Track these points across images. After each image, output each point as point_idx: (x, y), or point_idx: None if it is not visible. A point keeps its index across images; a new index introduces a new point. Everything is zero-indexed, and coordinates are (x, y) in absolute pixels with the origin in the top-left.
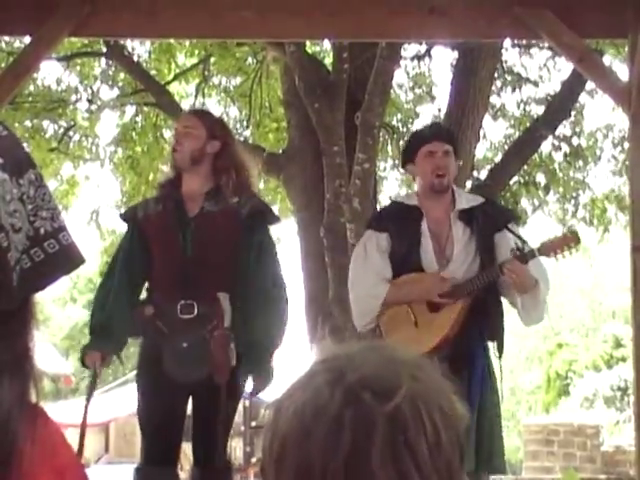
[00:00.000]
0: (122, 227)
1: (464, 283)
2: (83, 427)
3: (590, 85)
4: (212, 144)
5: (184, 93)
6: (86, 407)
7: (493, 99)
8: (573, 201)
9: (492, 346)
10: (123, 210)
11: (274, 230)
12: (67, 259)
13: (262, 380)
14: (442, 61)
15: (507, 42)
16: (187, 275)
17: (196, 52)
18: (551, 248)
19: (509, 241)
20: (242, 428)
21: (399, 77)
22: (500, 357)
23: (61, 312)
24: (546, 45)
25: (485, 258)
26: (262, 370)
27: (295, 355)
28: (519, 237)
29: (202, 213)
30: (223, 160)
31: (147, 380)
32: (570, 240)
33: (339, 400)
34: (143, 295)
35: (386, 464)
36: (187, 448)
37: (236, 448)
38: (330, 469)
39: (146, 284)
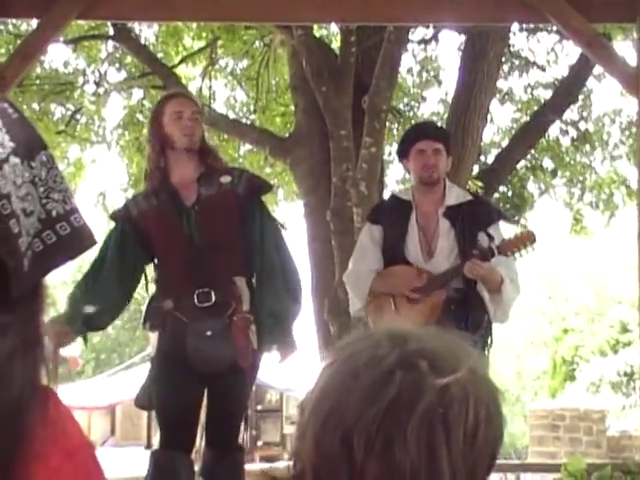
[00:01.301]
0: None
1: (435, 278)
2: None
3: (598, 69)
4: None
5: (191, 76)
6: None
7: (500, 83)
8: (580, 185)
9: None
10: (120, 204)
11: (278, 212)
12: (79, 241)
13: (287, 348)
14: (449, 45)
15: (515, 26)
16: (199, 263)
17: (203, 35)
18: (509, 247)
19: (484, 241)
20: (248, 412)
21: (406, 61)
22: (487, 348)
23: (65, 295)
24: (554, 29)
25: (466, 254)
26: (286, 338)
27: (302, 337)
28: (489, 235)
29: (200, 199)
30: (205, 142)
31: (168, 369)
32: (526, 239)
33: (395, 359)
34: (152, 289)
35: (420, 434)
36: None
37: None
38: (364, 418)
39: (154, 278)
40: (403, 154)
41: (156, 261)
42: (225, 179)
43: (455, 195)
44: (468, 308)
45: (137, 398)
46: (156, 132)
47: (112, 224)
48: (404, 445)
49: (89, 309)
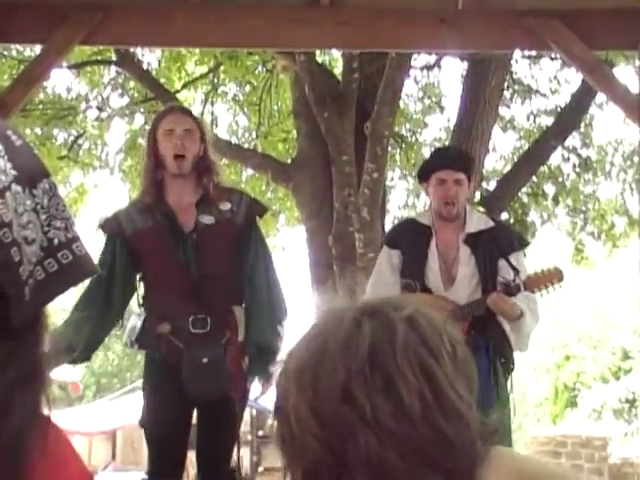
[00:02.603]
0: None
1: (457, 310)
2: None
3: (600, 97)
4: (201, 147)
5: (192, 100)
6: None
7: (502, 110)
8: (582, 215)
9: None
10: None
11: (280, 237)
12: (80, 269)
13: (268, 381)
14: (452, 72)
15: (517, 53)
16: (197, 291)
17: (206, 61)
18: (536, 284)
19: (507, 271)
20: (249, 437)
21: (409, 87)
22: (509, 373)
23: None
24: (556, 56)
25: (487, 282)
26: (268, 372)
27: None
28: (514, 268)
29: (198, 228)
30: (205, 160)
31: (158, 393)
32: (555, 277)
33: (356, 312)
34: (146, 307)
35: (412, 362)
36: (192, 456)
37: (243, 457)
38: (355, 364)
39: (147, 298)
40: (423, 178)
41: (147, 282)
42: (224, 206)
43: (476, 222)
44: (489, 335)
45: (141, 419)
46: (152, 148)
47: (102, 235)
48: (402, 377)
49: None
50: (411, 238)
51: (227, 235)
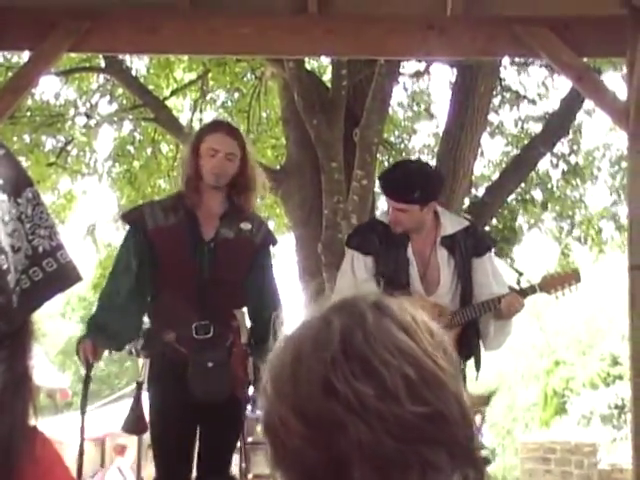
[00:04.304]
0: (118, 241)
1: (458, 313)
2: (81, 438)
3: (588, 104)
4: (240, 165)
5: (181, 107)
6: (82, 416)
7: (491, 117)
8: (569, 220)
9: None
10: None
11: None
12: (65, 277)
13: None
14: (441, 78)
15: (505, 60)
16: (204, 298)
17: (194, 67)
18: (552, 285)
19: (486, 268)
20: (238, 444)
21: (398, 94)
22: (478, 372)
23: (54, 328)
24: (544, 63)
25: (465, 284)
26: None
27: None
28: (517, 271)
29: (218, 238)
30: (241, 177)
31: (164, 398)
32: (572, 278)
33: (323, 311)
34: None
35: (384, 341)
36: None
37: (232, 464)
38: (329, 359)
39: (153, 303)
40: None
41: (156, 284)
42: (246, 225)
43: (450, 223)
44: (465, 336)
45: (125, 423)
46: (194, 158)
47: (126, 226)
48: (379, 358)
49: (109, 328)
50: (384, 243)
51: (243, 252)
